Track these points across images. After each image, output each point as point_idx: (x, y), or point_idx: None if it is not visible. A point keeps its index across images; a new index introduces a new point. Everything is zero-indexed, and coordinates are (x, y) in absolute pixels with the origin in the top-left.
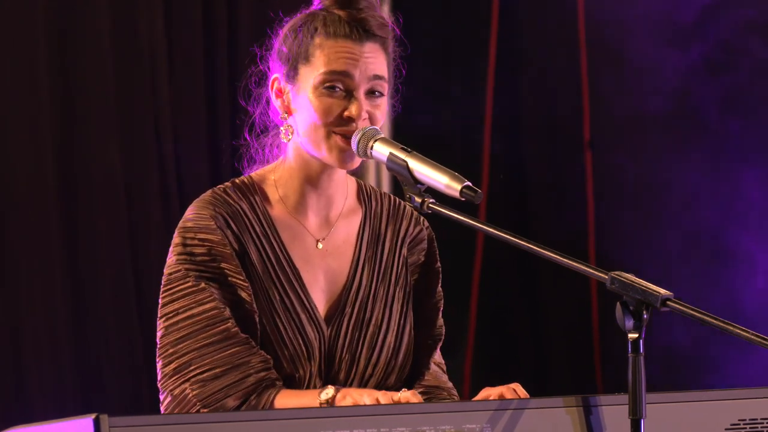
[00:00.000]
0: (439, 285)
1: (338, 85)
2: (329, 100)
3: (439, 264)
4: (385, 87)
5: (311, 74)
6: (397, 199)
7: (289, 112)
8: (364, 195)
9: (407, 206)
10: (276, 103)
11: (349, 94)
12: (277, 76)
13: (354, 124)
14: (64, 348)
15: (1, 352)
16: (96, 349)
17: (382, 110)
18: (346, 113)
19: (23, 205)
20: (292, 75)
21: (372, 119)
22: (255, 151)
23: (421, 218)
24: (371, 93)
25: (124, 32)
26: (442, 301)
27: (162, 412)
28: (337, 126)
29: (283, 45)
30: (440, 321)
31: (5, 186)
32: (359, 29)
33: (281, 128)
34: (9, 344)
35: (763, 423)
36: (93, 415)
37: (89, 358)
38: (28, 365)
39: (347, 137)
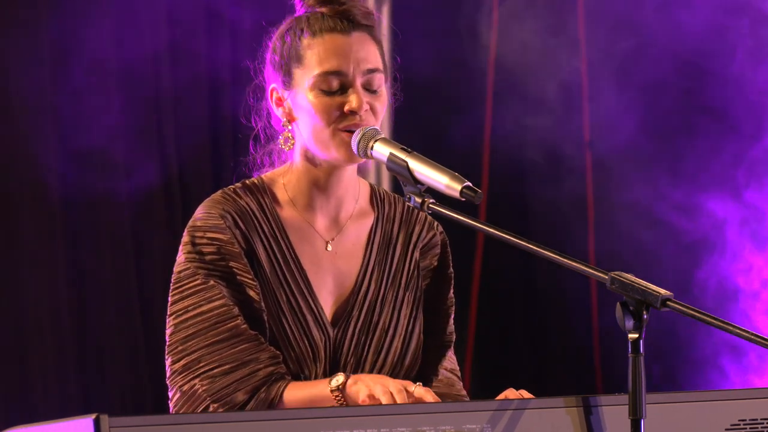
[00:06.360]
0: (451, 291)
1: (334, 81)
2: (327, 98)
3: (451, 270)
4: (381, 79)
5: (305, 75)
6: None
7: (291, 119)
8: (376, 198)
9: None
10: (277, 112)
11: (346, 88)
12: (274, 86)
13: (357, 117)
14: (66, 348)
15: (3, 351)
16: (98, 349)
17: (382, 101)
18: (346, 107)
19: (25, 203)
20: (287, 80)
21: (373, 110)
22: (261, 161)
23: (435, 223)
24: (368, 86)
25: (126, 33)
26: (454, 307)
27: (170, 408)
28: (340, 122)
29: (274, 53)
30: (451, 327)
31: (8, 183)
32: (343, 21)
33: (280, 136)
34: (10, 344)
35: (763, 423)
36: (93, 415)
37: (90, 358)
38: (30, 365)
39: (352, 131)
